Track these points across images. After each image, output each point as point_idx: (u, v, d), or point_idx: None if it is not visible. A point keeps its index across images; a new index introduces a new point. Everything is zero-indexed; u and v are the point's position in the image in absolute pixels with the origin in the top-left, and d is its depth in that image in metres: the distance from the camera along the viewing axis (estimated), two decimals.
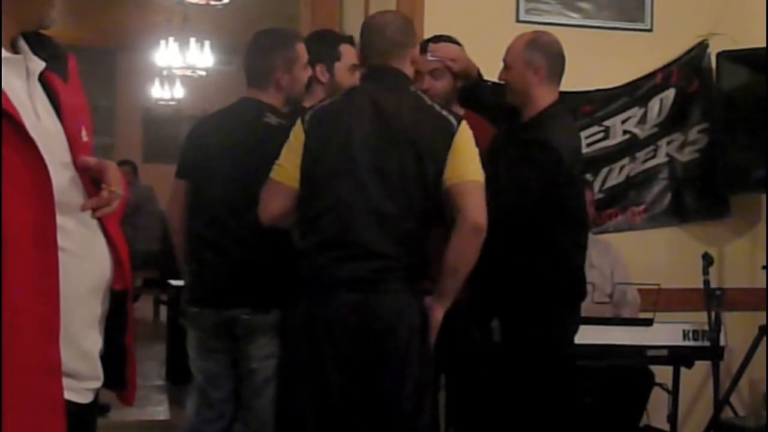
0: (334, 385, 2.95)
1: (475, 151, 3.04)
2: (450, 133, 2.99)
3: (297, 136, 3.03)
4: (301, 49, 3.42)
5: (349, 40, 3.66)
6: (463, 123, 3.04)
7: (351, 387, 2.96)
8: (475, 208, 2.93)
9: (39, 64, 1.82)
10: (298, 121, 3.05)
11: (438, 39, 3.82)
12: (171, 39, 10.65)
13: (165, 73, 11.57)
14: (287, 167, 3.03)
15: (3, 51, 1.74)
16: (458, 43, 3.81)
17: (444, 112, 3.05)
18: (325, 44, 3.57)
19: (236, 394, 3.43)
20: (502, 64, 3.58)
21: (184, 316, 3.47)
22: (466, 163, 3.00)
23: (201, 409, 3.43)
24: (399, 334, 2.92)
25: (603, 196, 4.62)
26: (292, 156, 3.03)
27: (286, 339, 3.11)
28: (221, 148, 3.34)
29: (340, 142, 2.98)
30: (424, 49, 3.84)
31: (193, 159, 3.45)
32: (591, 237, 4.43)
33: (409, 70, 3.14)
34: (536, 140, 3.40)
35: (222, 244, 3.30)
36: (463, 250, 2.96)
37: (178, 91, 12.56)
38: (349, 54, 3.57)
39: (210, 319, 3.34)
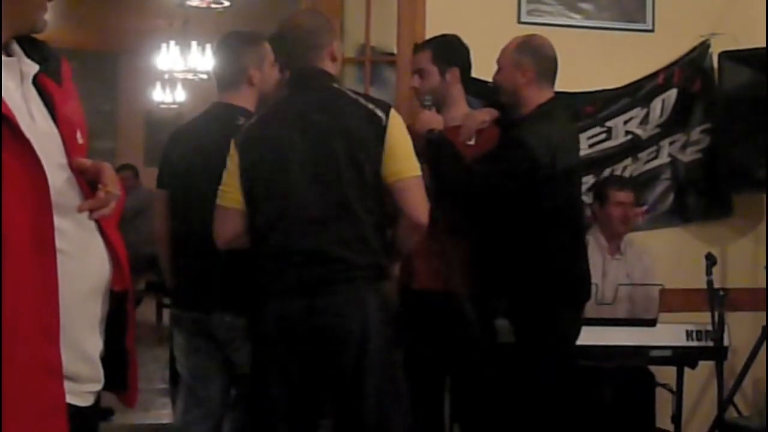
0: (297, 388, 2.98)
1: (409, 141, 3.05)
2: (381, 128, 2.98)
3: (232, 158, 3.06)
4: (269, 47, 3.42)
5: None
6: (392, 113, 3.02)
7: (314, 389, 3.00)
8: (415, 206, 3.00)
9: (33, 67, 1.83)
10: (232, 146, 3.06)
11: (434, 39, 3.84)
12: (172, 42, 10.66)
13: (166, 76, 11.57)
14: (230, 191, 3.06)
15: None
16: (458, 40, 3.82)
17: (371, 106, 3.03)
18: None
19: (225, 394, 3.42)
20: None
21: (171, 318, 3.48)
22: (401, 159, 3.02)
23: (189, 408, 3.44)
24: (351, 335, 2.93)
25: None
26: (231, 179, 3.06)
27: (252, 345, 3.14)
28: (196, 155, 3.36)
29: (272, 156, 3.00)
30: (417, 49, 3.86)
31: (170, 167, 3.48)
32: (626, 239, 4.44)
33: (330, 67, 3.13)
34: (510, 139, 3.45)
35: (201, 249, 3.32)
36: (405, 242, 3.13)
37: (180, 95, 12.57)
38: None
39: (193, 323, 3.36)
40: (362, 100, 3.06)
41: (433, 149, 3.44)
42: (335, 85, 3.13)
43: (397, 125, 3.01)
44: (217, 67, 3.47)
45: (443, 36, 3.84)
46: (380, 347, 2.96)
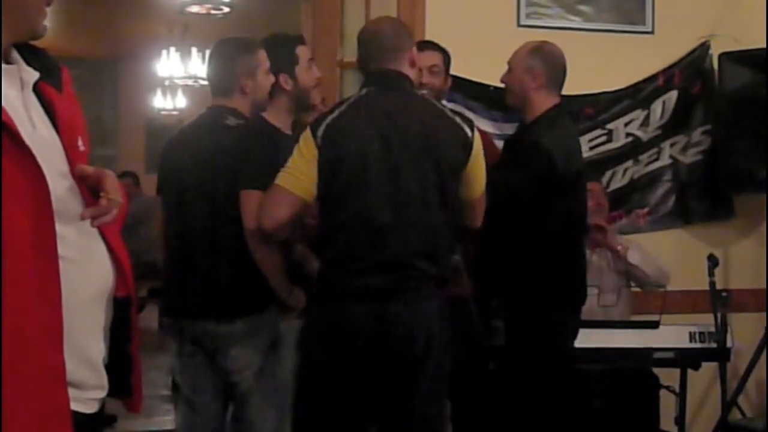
0: (352, 394, 2.95)
1: (483, 158, 3.09)
2: (468, 145, 3.01)
3: (310, 149, 2.95)
4: (263, 55, 3.40)
5: (301, 39, 3.60)
6: (475, 130, 3.06)
7: (369, 395, 2.96)
8: (479, 220, 3.18)
9: (33, 75, 1.82)
10: (308, 134, 2.97)
11: (438, 44, 3.87)
12: (172, 49, 10.67)
13: (167, 83, 11.58)
14: (300, 177, 2.96)
15: None
16: (442, 49, 3.85)
17: (458, 119, 3.04)
18: (282, 52, 3.49)
19: (221, 400, 3.41)
20: (504, 68, 3.67)
21: (160, 326, 3.48)
22: (479, 179, 3.09)
23: (187, 415, 3.43)
24: (416, 342, 2.91)
25: (607, 199, 4.60)
26: (305, 168, 2.95)
27: (303, 349, 3.10)
28: (186, 159, 3.37)
29: (355, 156, 2.93)
30: (428, 47, 3.90)
31: (165, 173, 3.49)
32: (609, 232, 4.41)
33: (408, 72, 3.11)
34: (528, 143, 3.48)
35: (187, 255, 3.32)
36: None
37: (180, 101, 12.57)
38: (303, 54, 3.50)
39: (182, 330, 3.35)
40: (449, 113, 3.06)
41: None
42: (417, 92, 3.11)
43: (478, 143, 3.05)
44: (210, 73, 3.47)
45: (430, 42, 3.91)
46: (439, 355, 2.95)
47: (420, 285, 2.94)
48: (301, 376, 3.08)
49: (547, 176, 3.41)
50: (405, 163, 2.93)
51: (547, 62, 3.61)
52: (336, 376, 2.95)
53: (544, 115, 3.58)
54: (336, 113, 3.01)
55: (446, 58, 3.85)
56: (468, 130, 3.02)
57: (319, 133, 2.96)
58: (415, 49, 3.16)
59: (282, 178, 2.97)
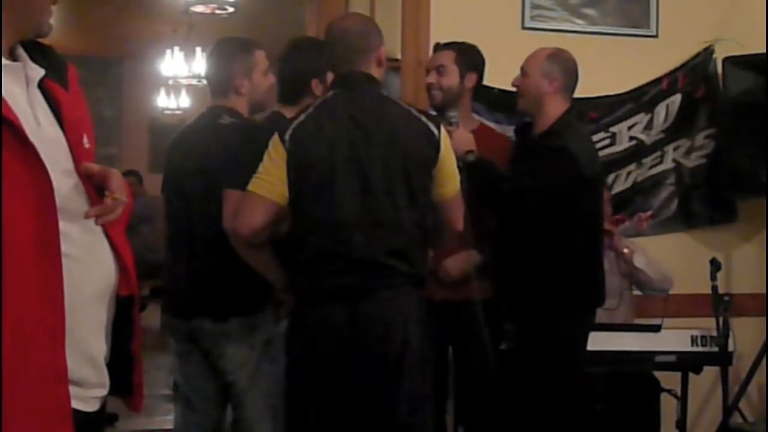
0: (334, 395, 2.95)
1: (453, 156, 3.10)
2: (436, 145, 3.01)
3: (279, 153, 2.97)
4: (260, 56, 3.41)
5: None
6: (442, 128, 3.06)
7: (351, 396, 2.96)
8: (458, 220, 3.16)
9: (38, 72, 1.83)
10: (277, 139, 2.99)
11: (458, 42, 3.87)
12: (177, 48, 10.69)
13: (171, 82, 11.60)
14: (272, 182, 2.97)
15: (2, 59, 1.75)
16: (478, 49, 3.87)
17: (423, 118, 3.04)
18: (315, 56, 3.47)
19: (218, 398, 3.42)
20: (510, 72, 3.72)
21: (162, 324, 3.49)
22: (451, 177, 3.09)
23: (185, 413, 3.44)
24: (392, 341, 2.92)
25: (611, 205, 4.60)
26: (276, 172, 2.97)
27: (287, 352, 3.10)
28: (183, 159, 3.38)
29: (322, 158, 2.95)
30: (440, 48, 3.90)
31: (167, 172, 3.52)
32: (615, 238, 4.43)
33: (376, 72, 3.11)
34: (555, 148, 3.49)
35: (184, 253, 3.33)
36: (438, 245, 3.29)
37: (184, 101, 12.59)
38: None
39: (179, 328, 3.36)
40: (414, 112, 3.06)
41: (475, 172, 3.44)
42: (383, 92, 3.12)
43: (446, 141, 3.06)
44: (208, 73, 3.49)
45: (465, 42, 3.88)
46: (418, 354, 2.95)
47: (393, 284, 2.95)
48: (287, 378, 3.09)
49: (576, 180, 3.46)
50: (372, 163, 2.95)
51: (564, 68, 3.66)
52: (317, 378, 2.96)
53: (561, 119, 3.61)
54: (302, 117, 3.03)
55: (460, 55, 3.81)
56: (434, 129, 3.02)
57: (287, 137, 2.98)
58: (383, 48, 3.15)
59: (254, 184, 2.98)
